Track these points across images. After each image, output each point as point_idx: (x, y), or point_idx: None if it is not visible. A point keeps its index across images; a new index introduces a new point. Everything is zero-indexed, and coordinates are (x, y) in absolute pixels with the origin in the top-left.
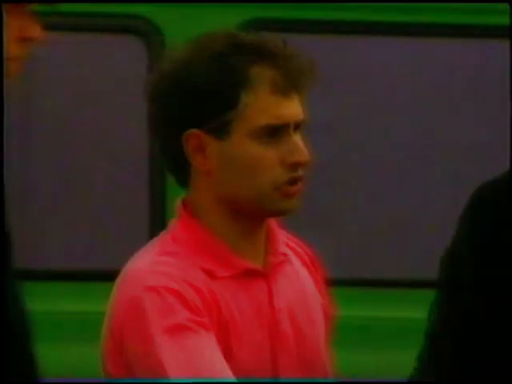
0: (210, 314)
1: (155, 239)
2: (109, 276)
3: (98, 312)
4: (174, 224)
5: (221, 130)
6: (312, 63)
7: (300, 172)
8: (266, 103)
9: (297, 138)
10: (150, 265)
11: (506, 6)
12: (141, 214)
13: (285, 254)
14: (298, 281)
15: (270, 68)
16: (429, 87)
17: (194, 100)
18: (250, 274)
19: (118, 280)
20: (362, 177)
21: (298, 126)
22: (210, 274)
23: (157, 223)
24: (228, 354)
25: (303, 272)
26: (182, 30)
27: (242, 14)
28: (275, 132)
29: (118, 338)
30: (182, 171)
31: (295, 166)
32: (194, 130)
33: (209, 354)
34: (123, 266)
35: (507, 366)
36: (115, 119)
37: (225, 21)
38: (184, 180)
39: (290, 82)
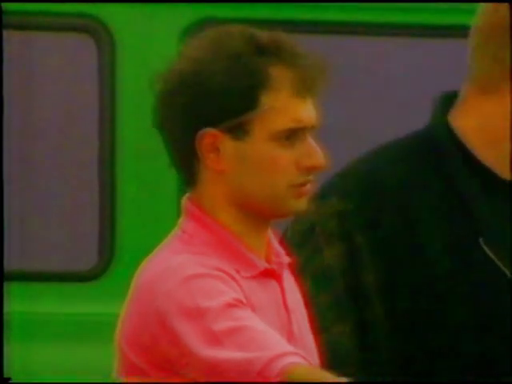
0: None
1: (171, 238)
2: None
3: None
4: (187, 222)
5: (239, 131)
6: (326, 64)
7: (312, 176)
8: (287, 106)
9: (313, 141)
10: (181, 260)
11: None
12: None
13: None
14: (292, 283)
15: (289, 69)
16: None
17: (212, 100)
18: (266, 275)
19: (139, 288)
20: None
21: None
22: (233, 275)
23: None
24: None
25: (290, 272)
26: (132, 28)
27: (193, 14)
28: (293, 134)
29: (153, 337)
30: (190, 169)
31: (311, 169)
32: (210, 130)
33: (263, 327)
34: None
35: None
36: (65, 118)
37: (175, 20)
38: (190, 178)
39: (309, 84)
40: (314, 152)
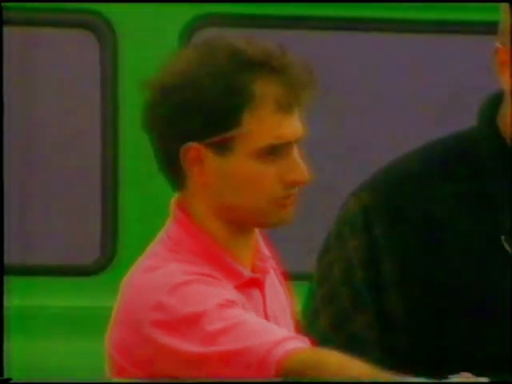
0: None
1: (157, 244)
2: None
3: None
4: (173, 227)
5: (222, 147)
6: (312, 72)
7: (296, 189)
8: (270, 123)
9: (297, 156)
10: (168, 269)
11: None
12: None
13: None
14: (276, 286)
15: (273, 84)
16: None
17: (196, 116)
18: (250, 284)
19: (127, 298)
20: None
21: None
22: (220, 279)
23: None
24: None
25: (275, 275)
26: (134, 24)
27: (194, 9)
28: (276, 150)
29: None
30: (176, 176)
31: (294, 184)
32: (194, 144)
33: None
34: None
35: None
36: (67, 114)
37: (177, 16)
38: (176, 184)
39: (293, 98)
40: (298, 167)
